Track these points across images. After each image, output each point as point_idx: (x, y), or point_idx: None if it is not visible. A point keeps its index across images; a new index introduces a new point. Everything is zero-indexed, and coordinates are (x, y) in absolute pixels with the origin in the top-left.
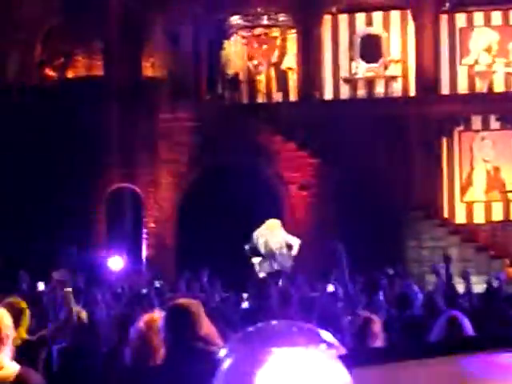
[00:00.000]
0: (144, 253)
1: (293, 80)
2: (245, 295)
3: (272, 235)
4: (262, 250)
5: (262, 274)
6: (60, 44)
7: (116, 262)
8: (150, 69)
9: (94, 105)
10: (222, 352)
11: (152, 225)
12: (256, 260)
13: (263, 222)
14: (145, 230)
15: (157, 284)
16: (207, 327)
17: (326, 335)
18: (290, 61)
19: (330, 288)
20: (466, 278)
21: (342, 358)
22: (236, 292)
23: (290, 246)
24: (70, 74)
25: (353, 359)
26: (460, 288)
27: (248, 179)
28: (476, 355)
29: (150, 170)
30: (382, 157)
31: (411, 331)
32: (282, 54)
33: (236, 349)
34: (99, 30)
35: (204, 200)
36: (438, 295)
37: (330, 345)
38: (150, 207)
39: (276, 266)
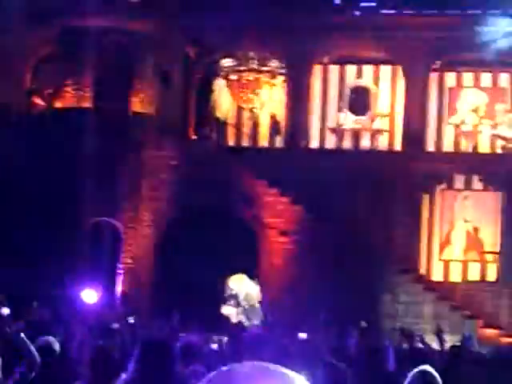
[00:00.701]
0: (119, 288)
1: (280, 127)
2: (215, 337)
3: (251, 289)
4: (243, 303)
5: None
6: (50, 74)
7: (90, 296)
8: (138, 105)
9: (81, 137)
10: None
11: (129, 260)
12: (230, 310)
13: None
14: (121, 266)
15: (130, 320)
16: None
17: (299, 380)
18: (278, 107)
19: (303, 335)
20: (439, 336)
21: None
22: (207, 333)
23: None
24: (58, 105)
25: None
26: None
27: (228, 221)
28: None
29: (131, 206)
30: (364, 209)
31: None
32: (271, 100)
33: None
34: (90, 63)
35: (182, 239)
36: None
37: None
38: (128, 243)
39: (254, 319)
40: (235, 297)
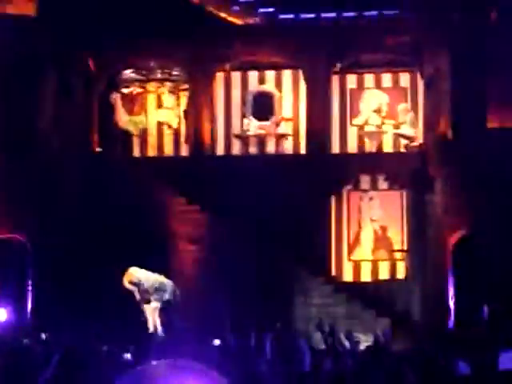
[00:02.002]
0: (30, 305)
1: (185, 135)
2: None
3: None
4: (151, 290)
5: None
6: None
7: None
8: (42, 121)
9: None
10: None
11: (38, 275)
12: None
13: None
14: (31, 282)
15: (43, 336)
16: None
17: (216, 376)
18: (183, 116)
19: (217, 342)
20: (349, 338)
21: None
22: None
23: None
24: None
25: None
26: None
27: (138, 232)
28: None
29: (40, 222)
30: (272, 213)
31: None
32: (176, 109)
33: None
34: None
35: (93, 251)
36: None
37: None
38: (38, 259)
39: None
40: (140, 285)
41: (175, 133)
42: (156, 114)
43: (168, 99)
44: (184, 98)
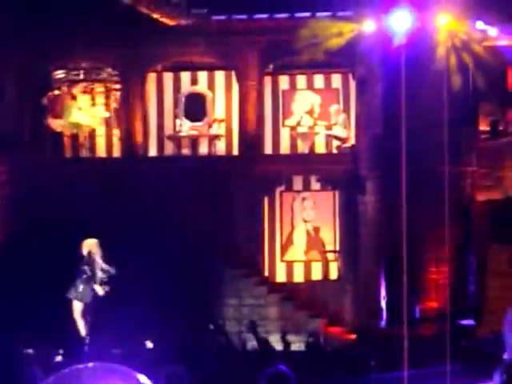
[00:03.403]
0: None
1: (116, 136)
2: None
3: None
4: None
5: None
6: None
7: None
8: None
9: None
10: None
11: None
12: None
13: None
14: None
15: None
16: None
17: (142, 378)
18: (115, 116)
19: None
20: (283, 338)
21: None
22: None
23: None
24: None
25: None
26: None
27: (70, 234)
28: None
29: None
30: (205, 215)
31: None
32: (107, 110)
33: None
34: None
35: (23, 253)
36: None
37: None
38: None
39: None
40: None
41: (107, 134)
42: (88, 114)
43: (100, 100)
44: (115, 99)
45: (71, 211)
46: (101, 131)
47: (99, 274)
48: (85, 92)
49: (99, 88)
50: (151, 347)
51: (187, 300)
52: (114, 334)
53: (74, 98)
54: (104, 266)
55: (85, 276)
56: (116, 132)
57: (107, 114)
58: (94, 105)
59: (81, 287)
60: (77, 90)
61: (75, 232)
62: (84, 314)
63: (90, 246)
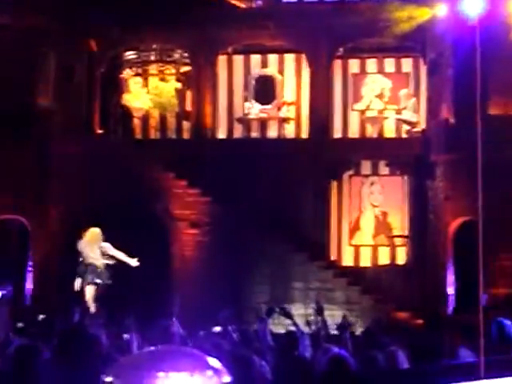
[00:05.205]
0: (29, 286)
1: (187, 118)
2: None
3: (91, 247)
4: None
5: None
6: None
7: None
8: (42, 100)
9: None
10: (109, 376)
11: (38, 258)
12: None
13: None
14: (31, 263)
15: (40, 317)
16: None
17: (212, 362)
18: (185, 99)
19: (217, 328)
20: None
21: None
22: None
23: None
24: None
25: None
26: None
27: (138, 215)
28: None
29: (38, 203)
30: (273, 198)
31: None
32: (177, 91)
33: (123, 373)
34: None
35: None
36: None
37: (216, 371)
38: (36, 240)
39: (95, 280)
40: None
41: (177, 115)
42: (158, 96)
43: (170, 81)
44: (186, 81)
45: (140, 193)
46: (171, 113)
47: (97, 263)
48: (155, 73)
49: (170, 70)
50: (219, 331)
51: (253, 283)
52: (182, 317)
53: (144, 79)
54: (112, 252)
55: (82, 264)
56: (185, 114)
57: (177, 96)
58: (164, 86)
59: (84, 274)
60: (148, 71)
61: (142, 214)
62: (96, 298)
63: (90, 234)
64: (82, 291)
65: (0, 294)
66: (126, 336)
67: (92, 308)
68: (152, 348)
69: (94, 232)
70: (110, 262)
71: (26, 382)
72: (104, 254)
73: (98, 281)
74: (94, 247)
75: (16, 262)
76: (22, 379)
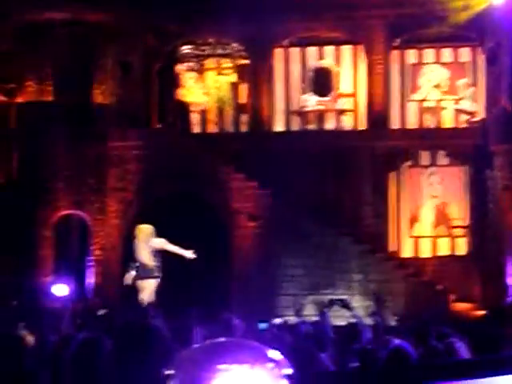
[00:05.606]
0: (89, 280)
1: (245, 111)
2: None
3: (142, 245)
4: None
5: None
6: (11, 69)
7: (61, 289)
8: (100, 96)
9: (43, 130)
10: (170, 369)
11: (98, 252)
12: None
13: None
14: (91, 258)
15: (100, 312)
16: None
17: (273, 354)
18: (242, 92)
19: (277, 320)
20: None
21: (289, 376)
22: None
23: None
24: (20, 99)
25: (300, 379)
26: None
27: (197, 208)
28: None
29: (98, 198)
30: (331, 190)
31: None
32: (235, 85)
33: (184, 366)
34: (50, 56)
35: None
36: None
37: (277, 363)
38: (96, 235)
39: (147, 274)
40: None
41: (234, 108)
42: (214, 89)
43: (227, 75)
44: (243, 75)
45: (198, 187)
46: (228, 106)
47: (148, 261)
48: (212, 67)
49: (226, 63)
50: (279, 323)
51: (312, 275)
52: (242, 309)
53: (201, 73)
54: (167, 247)
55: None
56: (241, 107)
57: (234, 89)
58: (221, 80)
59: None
60: (204, 65)
61: (201, 207)
62: (154, 291)
63: (140, 231)
64: (136, 285)
65: (62, 288)
66: (188, 329)
67: (148, 301)
68: (213, 341)
69: (145, 229)
70: (157, 263)
71: (89, 375)
72: (155, 251)
73: (150, 275)
74: (145, 245)
75: (77, 257)
76: (85, 372)
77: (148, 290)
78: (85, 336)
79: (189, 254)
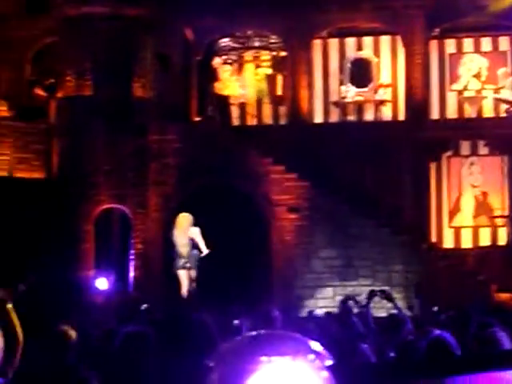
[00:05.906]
0: (131, 274)
1: (283, 103)
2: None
3: (180, 234)
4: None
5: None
6: (50, 64)
7: (103, 283)
8: (139, 90)
9: (83, 125)
10: (212, 361)
11: (140, 246)
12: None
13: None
14: (132, 251)
15: (143, 306)
16: None
17: (314, 345)
18: (279, 84)
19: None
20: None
21: (330, 368)
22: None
23: (195, 246)
24: (60, 94)
25: (341, 370)
26: None
27: (236, 201)
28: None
29: (138, 191)
30: (371, 181)
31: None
32: (273, 77)
33: (225, 358)
34: (90, 50)
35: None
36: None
37: (318, 355)
38: (137, 228)
39: (185, 265)
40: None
41: (272, 101)
42: (253, 82)
43: (265, 67)
44: (282, 67)
45: (238, 179)
46: (266, 98)
47: (184, 249)
48: (251, 60)
49: (265, 56)
50: (320, 315)
51: (353, 267)
52: (283, 301)
53: (239, 65)
54: (197, 237)
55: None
56: (278, 99)
57: (271, 82)
58: (259, 72)
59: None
60: (243, 57)
61: (241, 200)
62: (193, 283)
63: (179, 219)
64: (178, 276)
65: (104, 282)
66: (230, 321)
67: (187, 293)
68: (254, 333)
69: (184, 217)
70: (195, 252)
71: (135, 368)
72: (192, 241)
73: (188, 265)
74: (184, 233)
75: (118, 251)
76: (131, 366)
77: (186, 280)
78: (130, 330)
79: (205, 250)
